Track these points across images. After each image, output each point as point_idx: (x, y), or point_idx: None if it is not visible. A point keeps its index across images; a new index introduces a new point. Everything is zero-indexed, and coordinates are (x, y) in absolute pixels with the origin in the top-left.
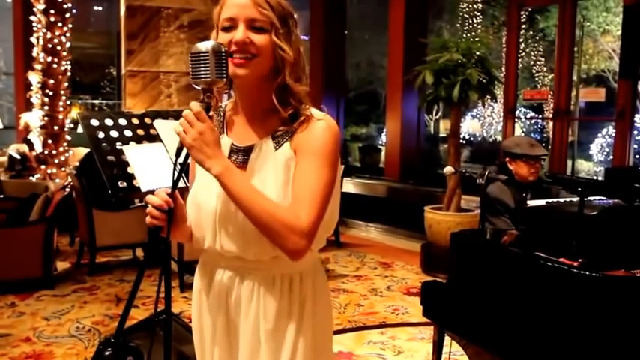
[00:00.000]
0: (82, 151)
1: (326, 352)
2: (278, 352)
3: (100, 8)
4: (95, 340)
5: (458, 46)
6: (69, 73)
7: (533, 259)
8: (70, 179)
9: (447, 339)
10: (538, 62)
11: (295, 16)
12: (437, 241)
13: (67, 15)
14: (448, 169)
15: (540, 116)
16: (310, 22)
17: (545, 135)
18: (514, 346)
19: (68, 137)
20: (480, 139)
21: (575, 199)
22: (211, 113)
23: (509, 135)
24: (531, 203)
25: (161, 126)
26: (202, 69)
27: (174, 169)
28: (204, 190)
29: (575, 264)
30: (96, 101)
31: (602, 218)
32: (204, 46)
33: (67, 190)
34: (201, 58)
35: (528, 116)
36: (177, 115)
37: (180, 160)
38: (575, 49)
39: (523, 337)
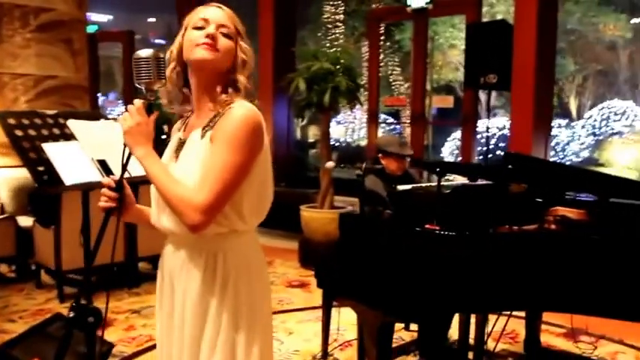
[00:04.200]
0: None
1: (253, 334)
2: (203, 325)
3: None
4: None
5: (327, 56)
6: None
7: (404, 228)
8: None
9: (334, 322)
10: (394, 72)
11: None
12: (313, 237)
13: None
14: (330, 164)
15: (399, 121)
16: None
17: (402, 139)
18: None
19: None
20: (344, 144)
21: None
22: (157, 113)
23: (373, 137)
24: (401, 187)
25: (75, 125)
26: (144, 72)
27: (122, 157)
28: None
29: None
30: None
31: (456, 194)
32: (145, 52)
33: None
34: (142, 62)
35: (388, 121)
36: (87, 116)
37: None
38: (428, 60)
39: (396, 291)
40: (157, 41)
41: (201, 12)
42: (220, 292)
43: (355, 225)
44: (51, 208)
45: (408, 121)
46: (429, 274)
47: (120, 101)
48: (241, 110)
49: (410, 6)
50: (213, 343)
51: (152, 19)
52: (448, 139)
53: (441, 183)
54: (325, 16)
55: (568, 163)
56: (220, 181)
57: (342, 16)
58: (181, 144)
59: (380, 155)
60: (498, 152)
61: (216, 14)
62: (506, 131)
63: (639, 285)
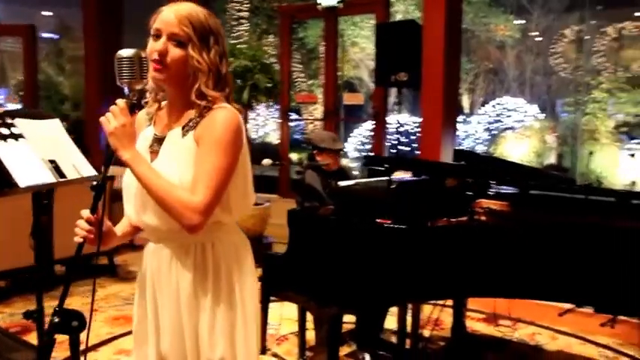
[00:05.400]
0: None
1: (246, 316)
2: (198, 314)
3: None
4: None
5: (244, 53)
6: None
7: (350, 223)
8: None
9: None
10: (296, 69)
11: (219, 34)
12: None
13: None
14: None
15: (301, 118)
16: (83, 22)
17: (305, 135)
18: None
19: None
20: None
21: (373, 179)
22: (138, 112)
23: (285, 134)
24: (342, 183)
25: (23, 125)
26: (126, 72)
27: (105, 160)
28: (131, 174)
29: (387, 222)
30: None
31: (401, 189)
32: (127, 52)
33: None
34: (125, 62)
35: (292, 117)
36: (33, 115)
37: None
38: (339, 57)
39: (331, 282)
40: (47, 35)
41: (157, 20)
42: (214, 283)
43: (300, 220)
44: None
45: (312, 117)
46: (366, 266)
47: (15, 97)
48: (223, 113)
49: (320, 4)
50: (212, 329)
51: (48, 13)
52: (351, 134)
53: (374, 179)
54: (229, 13)
55: None
56: (213, 182)
57: (246, 13)
58: (157, 140)
59: (315, 152)
60: (401, 148)
61: (167, 22)
62: (407, 127)
63: (557, 268)
